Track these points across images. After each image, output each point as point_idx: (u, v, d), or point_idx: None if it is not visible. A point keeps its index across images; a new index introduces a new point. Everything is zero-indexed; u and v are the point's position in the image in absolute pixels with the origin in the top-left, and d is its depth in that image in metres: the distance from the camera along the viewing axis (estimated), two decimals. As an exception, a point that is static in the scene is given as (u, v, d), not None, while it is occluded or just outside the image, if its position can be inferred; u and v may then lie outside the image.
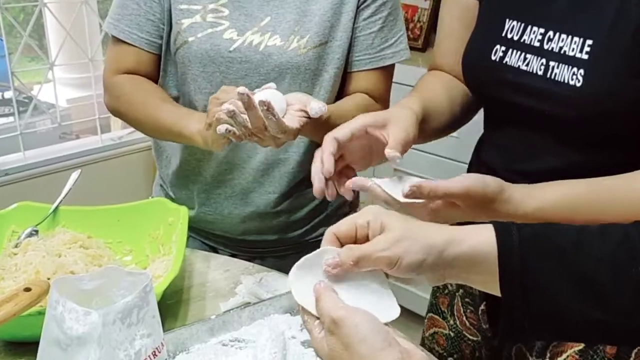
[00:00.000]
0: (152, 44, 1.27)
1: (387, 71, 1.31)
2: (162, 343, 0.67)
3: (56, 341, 0.62)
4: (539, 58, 0.90)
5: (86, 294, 0.66)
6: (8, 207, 1.19)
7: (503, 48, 0.95)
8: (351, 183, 0.88)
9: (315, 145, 1.30)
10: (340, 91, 1.31)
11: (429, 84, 1.11)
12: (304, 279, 0.69)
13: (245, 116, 1.01)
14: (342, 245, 0.71)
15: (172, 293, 1.09)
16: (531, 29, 0.92)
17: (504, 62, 0.94)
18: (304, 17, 1.23)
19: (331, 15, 1.23)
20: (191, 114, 1.19)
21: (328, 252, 0.69)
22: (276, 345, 0.94)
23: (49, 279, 0.99)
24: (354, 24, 1.26)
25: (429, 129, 1.02)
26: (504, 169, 0.98)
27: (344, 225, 0.70)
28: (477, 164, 1.07)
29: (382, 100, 1.31)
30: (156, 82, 1.31)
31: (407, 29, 2.77)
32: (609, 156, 0.88)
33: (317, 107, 1.06)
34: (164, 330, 0.70)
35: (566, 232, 0.67)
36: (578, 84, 0.85)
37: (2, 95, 3.10)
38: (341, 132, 0.90)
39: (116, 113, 1.31)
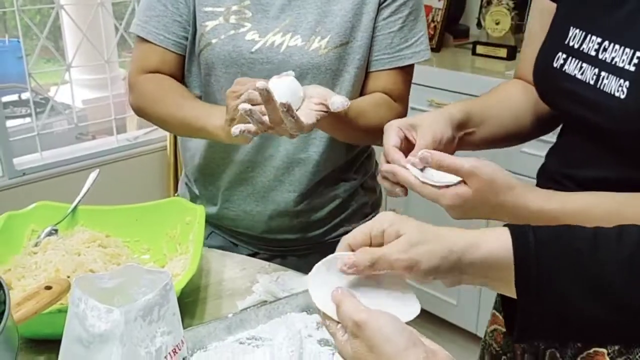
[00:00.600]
0: (178, 45, 1.29)
1: (406, 71, 1.31)
2: (182, 340, 0.68)
3: (78, 339, 0.63)
4: (593, 68, 0.89)
5: (107, 292, 0.67)
6: (27, 207, 1.21)
7: (564, 56, 0.94)
8: (386, 168, 0.91)
9: (334, 143, 1.30)
10: (360, 90, 1.31)
11: (498, 91, 1.11)
12: (322, 285, 0.69)
13: (262, 113, 1.02)
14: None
15: (189, 291, 1.10)
16: (590, 38, 0.91)
17: (564, 69, 0.94)
18: (325, 17, 1.23)
19: (352, 15, 1.24)
20: (213, 109, 1.19)
21: (341, 257, 0.69)
22: (293, 344, 0.95)
23: (68, 277, 1.00)
24: (374, 23, 1.26)
25: (481, 134, 1.03)
26: (559, 172, 0.98)
27: (359, 235, 0.70)
28: (541, 168, 1.07)
29: (400, 100, 1.31)
30: (180, 82, 1.33)
31: (421, 28, 2.77)
32: None
33: (339, 101, 1.05)
34: (182, 328, 0.71)
35: (582, 234, 0.67)
36: (622, 96, 0.83)
37: (20, 97, 3.13)
38: (391, 139, 0.93)
39: (140, 112, 1.32)
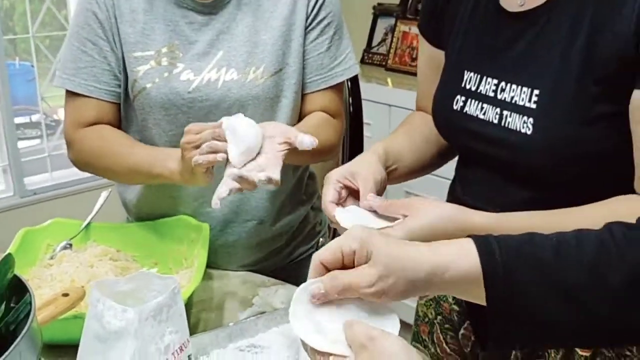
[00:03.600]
0: (111, 94, 1.28)
1: (339, 88, 1.35)
2: (187, 339, 0.75)
3: (96, 335, 0.71)
4: (494, 107, 0.96)
5: (121, 295, 0.75)
6: (43, 223, 1.28)
7: (463, 98, 1.01)
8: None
9: (286, 169, 1.27)
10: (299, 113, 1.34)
11: (408, 125, 1.19)
12: (304, 317, 0.69)
13: (236, 184, 1.02)
14: (328, 271, 0.71)
15: (194, 302, 1.17)
16: (486, 80, 0.98)
17: (464, 111, 1.01)
18: (256, 48, 1.26)
19: (282, 42, 1.27)
20: (165, 154, 1.18)
21: (310, 288, 0.70)
22: (289, 350, 1.02)
23: (82, 287, 1.07)
24: (303, 47, 1.29)
25: (400, 170, 1.09)
26: (473, 203, 1.00)
27: (330, 254, 0.70)
28: (451, 197, 1.13)
29: (338, 116, 1.35)
30: (119, 129, 1.31)
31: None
32: (571, 197, 0.90)
33: (308, 141, 1.05)
34: (186, 335, 0.78)
35: (544, 243, 0.71)
36: (529, 132, 0.90)
37: (30, 119, 3.22)
38: (329, 195, 0.97)
39: (84, 167, 1.31)
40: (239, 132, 1.03)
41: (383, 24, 3.11)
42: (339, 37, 1.33)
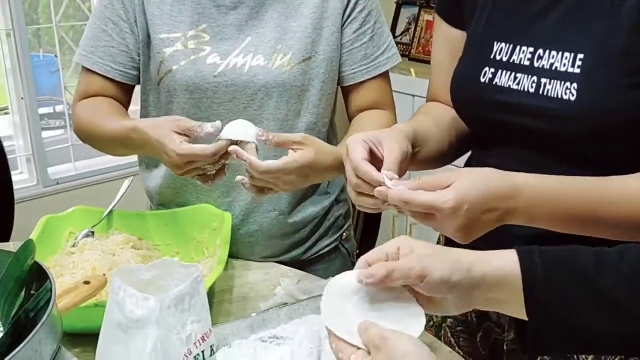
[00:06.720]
0: (125, 75, 1.29)
1: (386, 78, 1.33)
2: (210, 330, 0.74)
3: (118, 324, 0.69)
4: (530, 76, 0.92)
5: (143, 283, 0.74)
6: (66, 211, 1.28)
7: (492, 70, 0.97)
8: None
9: None
10: (347, 107, 1.33)
11: (429, 111, 1.14)
12: (336, 311, 0.70)
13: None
14: None
15: (216, 293, 1.17)
16: (520, 49, 0.94)
17: (494, 83, 0.96)
18: (285, 34, 1.24)
19: (312, 30, 1.25)
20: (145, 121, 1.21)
21: (349, 276, 0.71)
22: (312, 342, 1.00)
23: (104, 275, 1.07)
24: (342, 38, 1.27)
25: (424, 153, 1.04)
26: None
27: (375, 254, 0.73)
28: None
29: (390, 107, 1.33)
30: (126, 109, 1.33)
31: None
32: (606, 174, 0.86)
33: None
34: (208, 326, 0.77)
35: (585, 253, 0.71)
36: (572, 98, 0.87)
37: (54, 109, 3.24)
38: (359, 153, 0.89)
39: (80, 134, 1.31)
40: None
41: (406, 13, 3.08)
42: (380, 25, 1.32)
